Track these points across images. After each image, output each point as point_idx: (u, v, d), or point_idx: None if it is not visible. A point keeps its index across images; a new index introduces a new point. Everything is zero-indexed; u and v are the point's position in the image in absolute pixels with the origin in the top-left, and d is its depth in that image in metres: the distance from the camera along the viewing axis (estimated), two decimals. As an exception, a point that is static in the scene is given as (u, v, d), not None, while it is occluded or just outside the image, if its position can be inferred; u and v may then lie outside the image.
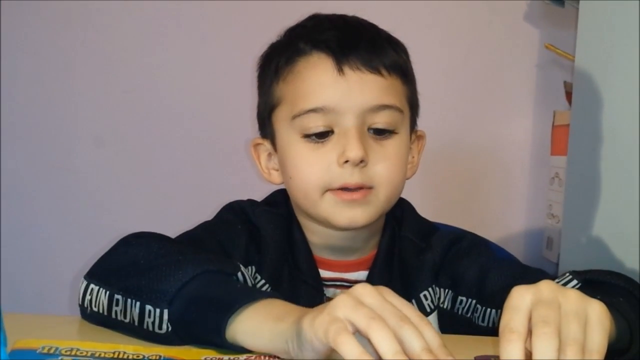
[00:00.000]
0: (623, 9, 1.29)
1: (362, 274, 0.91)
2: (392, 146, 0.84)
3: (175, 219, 1.93)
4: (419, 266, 0.90)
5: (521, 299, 0.59)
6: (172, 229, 1.94)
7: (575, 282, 0.77)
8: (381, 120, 0.83)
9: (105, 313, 0.75)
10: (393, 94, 0.83)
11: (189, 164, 1.96)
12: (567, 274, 0.79)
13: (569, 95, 1.70)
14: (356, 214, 0.82)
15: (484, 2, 1.96)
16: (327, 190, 0.82)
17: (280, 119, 0.86)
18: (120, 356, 0.70)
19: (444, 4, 1.96)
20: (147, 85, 1.94)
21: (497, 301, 0.82)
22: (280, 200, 0.95)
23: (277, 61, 0.86)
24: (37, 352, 0.69)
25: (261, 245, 0.89)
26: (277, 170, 0.91)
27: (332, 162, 0.81)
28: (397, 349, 0.55)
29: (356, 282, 0.88)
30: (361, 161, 0.80)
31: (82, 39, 1.92)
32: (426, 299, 0.90)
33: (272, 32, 1.90)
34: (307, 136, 0.83)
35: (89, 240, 1.96)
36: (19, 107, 1.92)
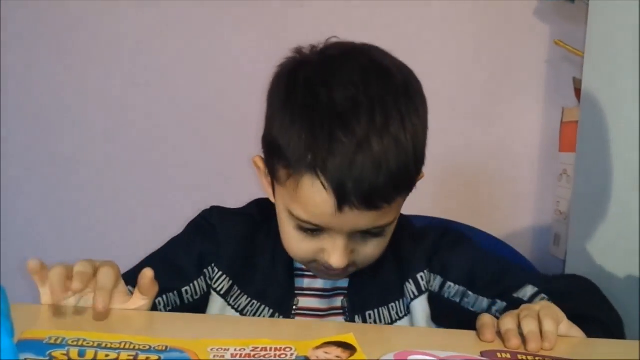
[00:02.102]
0: (632, 6, 1.29)
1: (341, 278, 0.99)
2: (376, 244, 0.90)
3: (181, 216, 1.94)
4: (415, 250, 0.99)
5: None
6: (178, 226, 1.95)
7: (541, 295, 0.92)
8: (370, 230, 0.88)
9: None
10: (387, 216, 0.87)
11: (192, 162, 1.97)
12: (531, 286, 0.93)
13: (578, 91, 1.69)
14: (338, 279, 0.95)
15: (494, -2, 1.96)
16: (314, 261, 0.91)
17: (280, 195, 0.90)
18: (127, 346, 0.70)
19: (453, 0, 1.95)
20: (155, 80, 1.94)
21: (488, 290, 0.95)
22: (252, 206, 1.04)
23: (285, 151, 0.84)
24: (44, 342, 0.69)
25: (218, 243, 0.98)
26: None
27: (320, 252, 0.89)
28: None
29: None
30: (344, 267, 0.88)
31: (86, 36, 1.92)
32: (422, 280, 0.98)
33: (280, 31, 1.91)
34: (300, 228, 0.88)
35: (92, 236, 1.97)
36: (22, 103, 1.93)
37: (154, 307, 0.88)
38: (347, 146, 0.80)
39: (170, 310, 0.95)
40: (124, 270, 0.89)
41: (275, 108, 0.89)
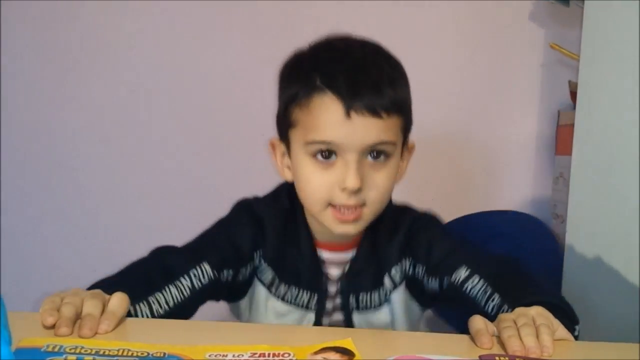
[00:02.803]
0: (628, 9, 1.29)
1: (352, 252, 1.10)
2: (384, 172, 1.00)
3: (178, 218, 1.95)
4: (389, 247, 1.09)
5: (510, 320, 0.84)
6: (175, 227, 1.95)
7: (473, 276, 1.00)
8: (378, 149, 0.99)
9: None
10: (390, 131, 0.99)
11: (192, 164, 1.96)
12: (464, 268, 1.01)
13: (573, 94, 1.70)
14: (349, 228, 1.01)
15: (489, 1, 1.96)
16: (329, 205, 1.00)
17: (295, 137, 1.02)
18: (125, 354, 0.70)
19: (449, 3, 1.96)
20: (154, 84, 1.94)
21: (436, 270, 1.05)
22: (283, 196, 1.11)
23: (297, 89, 1.01)
24: (42, 350, 0.69)
25: (265, 235, 1.08)
26: (289, 168, 1.06)
27: (335, 184, 0.98)
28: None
29: (345, 261, 1.09)
30: (357, 189, 0.97)
31: (85, 38, 1.92)
32: (396, 273, 1.09)
33: (276, 33, 1.92)
34: (315, 156, 0.99)
35: (91, 239, 1.97)
36: (20, 107, 1.92)
37: (216, 280, 1.01)
38: (346, 66, 0.98)
39: (213, 290, 1.02)
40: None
41: (283, 81, 1.06)
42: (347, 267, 1.09)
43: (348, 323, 1.09)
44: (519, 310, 0.86)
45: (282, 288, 1.09)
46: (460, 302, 1.02)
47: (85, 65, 1.93)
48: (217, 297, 1.08)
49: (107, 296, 0.84)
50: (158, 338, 0.76)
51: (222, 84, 1.95)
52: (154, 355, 0.70)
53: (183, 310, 0.96)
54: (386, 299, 1.10)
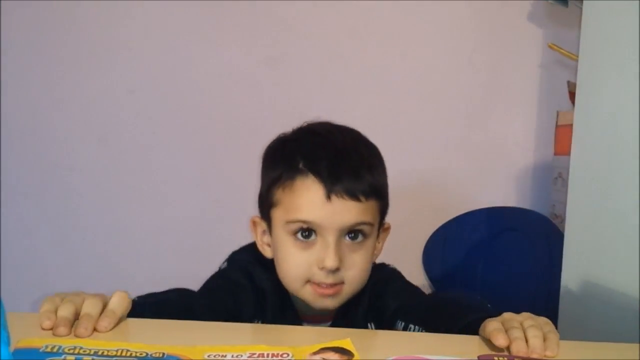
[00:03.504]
0: (626, 9, 1.29)
1: (330, 322, 1.13)
2: (362, 253, 1.04)
3: (176, 220, 1.95)
4: (355, 315, 1.12)
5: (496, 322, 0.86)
6: (173, 230, 1.95)
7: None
8: (355, 229, 1.03)
9: None
10: (367, 213, 1.03)
11: (192, 164, 1.97)
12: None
13: (572, 95, 1.70)
14: (328, 302, 1.04)
15: (487, 2, 1.97)
16: (307, 282, 1.03)
17: (277, 217, 1.05)
18: (124, 354, 0.70)
19: (448, 4, 1.96)
20: (151, 85, 1.94)
21: (402, 314, 1.06)
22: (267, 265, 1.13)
23: (281, 172, 1.04)
24: (40, 350, 0.69)
25: (265, 305, 1.11)
26: (269, 246, 1.10)
27: (313, 263, 1.02)
28: None
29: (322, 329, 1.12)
30: (336, 269, 1.01)
31: (85, 39, 1.92)
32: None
33: (274, 35, 1.92)
34: (295, 235, 1.02)
35: (90, 240, 1.97)
36: (19, 107, 1.92)
37: None
38: (328, 152, 1.03)
39: None
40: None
41: (267, 162, 1.09)
42: None
43: None
44: (526, 313, 0.89)
45: None
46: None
47: (84, 66, 1.93)
48: None
49: (108, 297, 0.85)
50: (157, 338, 0.76)
51: (220, 84, 1.95)
52: (153, 355, 0.70)
53: None
54: None
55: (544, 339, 0.82)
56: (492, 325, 0.84)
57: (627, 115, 1.28)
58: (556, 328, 0.86)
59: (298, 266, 1.03)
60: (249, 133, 1.90)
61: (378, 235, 1.10)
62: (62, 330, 0.76)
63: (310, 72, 1.94)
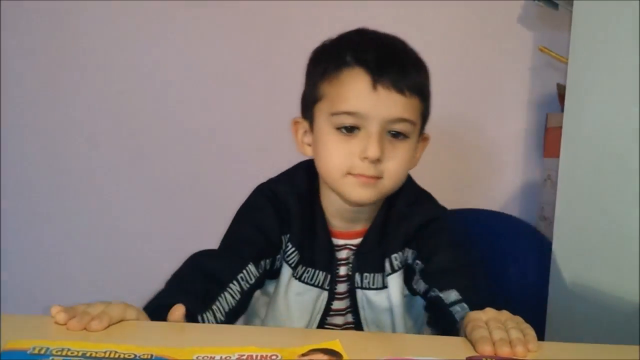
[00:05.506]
0: (616, 12, 1.30)
1: (360, 239, 1.15)
2: (402, 149, 1.05)
3: (173, 218, 1.94)
4: (396, 234, 1.13)
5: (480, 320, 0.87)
6: (171, 227, 1.95)
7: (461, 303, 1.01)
8: (398, 127, 1.04)
9: None
10: (411, 110, 1.04)
11: (186, 163, 1.96)
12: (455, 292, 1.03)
13: (562, 97, 1.71)
14: (366, 193, 1.05)
15: (477, 4, 1.97)
16: (347, 174, 1.04)
17: (321, 110, 1.07)
18: (112, 355, 0.70)
19: (438, 5, 1.96)
20: (144, 85, 1.94)
21: (431, 279, 1.07)
22: (301, 176, 1.16)
23: (326, 65, 1.07)
24: (28, 352, 0.68)
25: (290, 221, 1.12)
26: (310, 145, 1.12)
27: (355, 154, 1.03)
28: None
29: (356, 245, 1.15)
30: (377, 160, 1.02)
31: (78, 39, 1.92)
32: (395, 260, 1.12)
33: (266, 33, 1.91)
34: (339, 129, 1.04)
35: (86, 241, 1.96)
36: (19, 108, 1.91)
37: (260, 275, 1.06)
38: (376, 47, 1.06)
39: (259, 284, 1.07)
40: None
41: (312, 63, 1.11)
42: (355, 251, 1.15)
43: (352, 300, 1.14)
44: (505, 312, 0.90)
45: (300, 269, 1.14)
46: (439, 315, 1.04)
47: (83, 66, 1.92)
48: (261, 286, 1.11)
49: (116, 304, 0.86)
50: (146, 340, 0.76)
51: (218, 84, 1.95)
52: (142, 357, 0.70)
53: (238, 311, 1.02)
54: (384, 284, 1.13)
55: (524, 336, 0.82)
56: (478, 333, 0.84)
57: (616, 118, 1.29)
58: (544, 329, 0.87)
59: (340, 156, 1.04)
60: (248, 133, 1.90)
61: (417, 142, 1.10)
62: (74, 322, 0.78)
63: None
